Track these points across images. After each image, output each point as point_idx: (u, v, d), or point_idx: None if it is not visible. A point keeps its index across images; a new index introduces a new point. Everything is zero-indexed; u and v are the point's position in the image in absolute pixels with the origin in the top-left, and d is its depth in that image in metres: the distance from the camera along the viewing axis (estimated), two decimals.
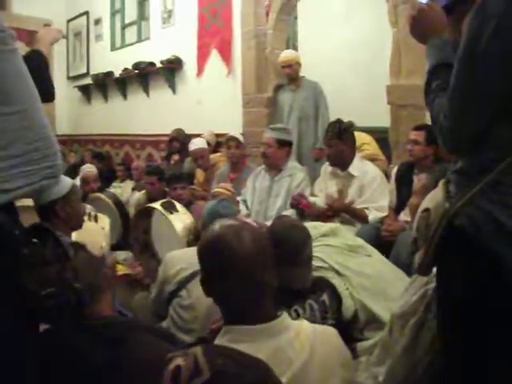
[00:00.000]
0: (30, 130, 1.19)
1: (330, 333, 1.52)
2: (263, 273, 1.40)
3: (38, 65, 2.17)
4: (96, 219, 3.38)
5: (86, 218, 3.21)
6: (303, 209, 3.85)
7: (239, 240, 1.40)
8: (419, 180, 2.31)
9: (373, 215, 3.70)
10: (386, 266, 2.93)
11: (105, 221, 3.47)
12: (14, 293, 1.22)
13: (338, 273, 2.69)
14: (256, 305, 1.39)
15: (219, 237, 1.42)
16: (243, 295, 1.39)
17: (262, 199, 4.28)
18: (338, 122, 3.90)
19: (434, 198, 1.52)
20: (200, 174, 5.49)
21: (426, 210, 1.52)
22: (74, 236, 2.79)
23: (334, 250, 2.83)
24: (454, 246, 1.42)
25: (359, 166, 3.86)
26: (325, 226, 3.09)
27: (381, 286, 2.71)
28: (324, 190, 4.07)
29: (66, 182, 2.64)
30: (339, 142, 3.81)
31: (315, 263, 2.67)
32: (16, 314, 1.23)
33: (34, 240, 1.33)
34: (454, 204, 1.40)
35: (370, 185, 3.78)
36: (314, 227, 3.00)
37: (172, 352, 1.10)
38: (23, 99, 1.19)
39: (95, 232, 3.20)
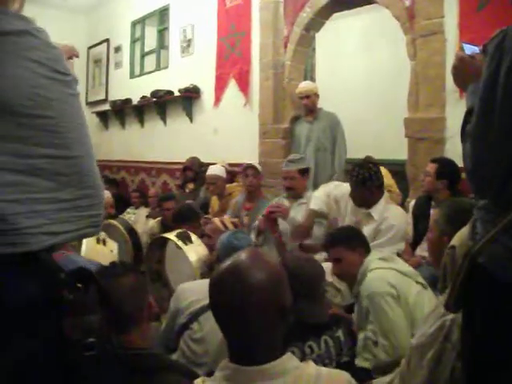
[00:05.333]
0: (83, 176, 1.20)
1: (338, 378, 1.42)
2: (269, 311, 1.32)
3: None
4: (104, 242, 3.39)
5: (94, 240, 3.22)
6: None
7: (252, 275, 1.32)
8: (433, 215, 2.28)
9: None
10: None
11: (113, 245, 3.50)
12: (57, 342, 1.20)
13: (398, 301, 2.58)
14: (254, 344, 1.32)
15: (231, 270, 1.36)
16: (240, 332, 1.33)
17: None
18: (363, 166, 3.71)
19: (460, 236, 1.51)
20: (215, 203, 5.47)
21: (452, 247, 1.50)
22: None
23: (400, 275, 2.71)
24: (478, 284, 1.39)
25: (381, 211, 3.68)
26: (384, 251, 3.01)
27: None
28: (343, 209, 3.98)
29: None
30: (362, 189, 3.65)
31: (386, 288, 2.58)
32: (58, 365, 1.21)
33: (79, 285, 1.31)
34: (478, 241, 1.38)
35: (385, 233, 3.60)
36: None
37: None
38: (81, 145, 1.20)
39: (104, 254, 3.20)
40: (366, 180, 3.62)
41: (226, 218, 4.29)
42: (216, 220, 4.06)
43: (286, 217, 3.96)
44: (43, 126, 1.15)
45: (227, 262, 1.39)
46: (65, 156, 1.16)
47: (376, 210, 3.68)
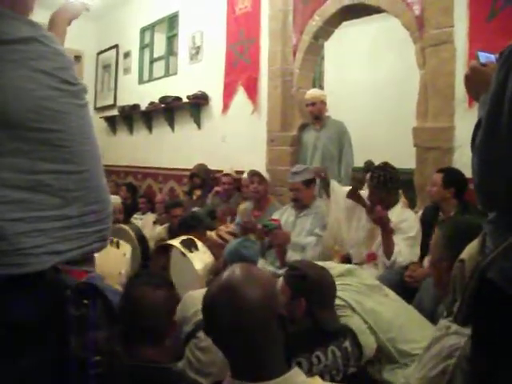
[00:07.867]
0: (90, 191, 1.16)
1: None
2: (271, 325, 1.31)
3: None
4: (118, 245, 3.37)
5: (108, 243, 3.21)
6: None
7: (247, 295, 1.30)
8: (433, 236, 2.27)
9: (401, 257, 3.59)
10: (402, 306, 2.90)
11: (126, 248, 3.47)
12: (62, 359, 1.18)
13: (354, 311, 2.67)
14: (260, 361, 1.30)
15: (225, 289, 1.34)
16: (243, 351, 1.30)
17: None
18: (384, 169, 3.83)
19: (470, 249, 1.48)
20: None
21: (461, 260, 1.47)
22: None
23: (352, 288, 2.81)
24: (488, 299, 1.37)
25: (399, 213, 3.79)
26: (341, 267, 3.07)
27: (396, 323, 2.68)
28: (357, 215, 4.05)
29: None
30: (382, 191, 3.78)
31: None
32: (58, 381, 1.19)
33: (85, 301, 1.28)
34: (487, 256, 1.35)
35: (406, 232, 3.68)
36: (331, 268, 2.97)
37: None
38: (88, 158, 1.17)
39: (116, 258, 3.19)
40: (387, 181, 3.71)
41: (223, 228, 4.29)
42: (212, 234, 4.07)
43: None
44: (50, 140, 1.11)
45: (217, 284, 1.37)
46: (73, 171, 1.13)
47: (393, 213, 3.78)
